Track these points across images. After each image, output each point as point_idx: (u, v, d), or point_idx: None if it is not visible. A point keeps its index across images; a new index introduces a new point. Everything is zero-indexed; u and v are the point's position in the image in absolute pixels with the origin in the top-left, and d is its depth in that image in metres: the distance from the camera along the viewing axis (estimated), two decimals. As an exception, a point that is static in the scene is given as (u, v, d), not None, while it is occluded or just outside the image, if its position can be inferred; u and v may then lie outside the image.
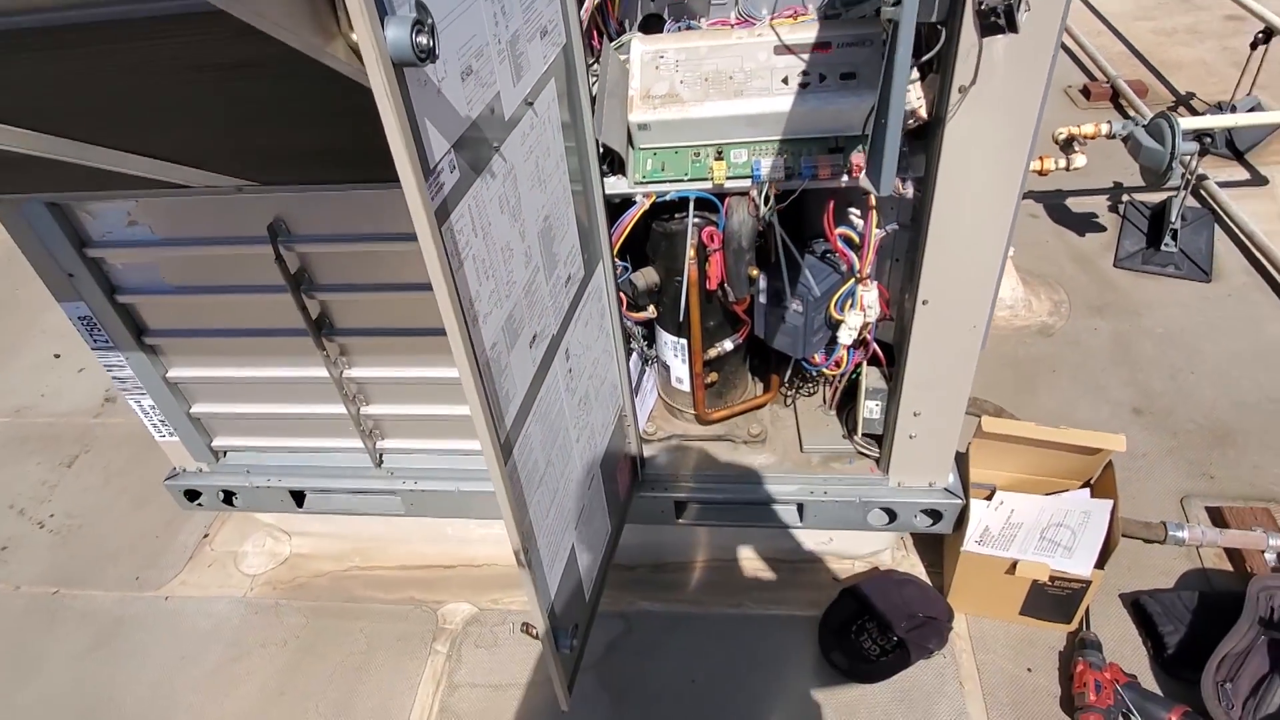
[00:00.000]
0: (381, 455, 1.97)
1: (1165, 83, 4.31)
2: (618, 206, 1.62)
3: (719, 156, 1.52)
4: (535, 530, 1.27)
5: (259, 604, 2.34)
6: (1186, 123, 2.81)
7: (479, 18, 0.95)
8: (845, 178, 1.51)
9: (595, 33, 1.66)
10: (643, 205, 1.58)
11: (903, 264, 1.71)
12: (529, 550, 1.21)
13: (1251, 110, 3.66)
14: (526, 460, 1.23)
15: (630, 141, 1.56)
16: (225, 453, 2.07)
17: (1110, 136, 2.97)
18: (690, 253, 1.63)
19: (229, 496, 2.07)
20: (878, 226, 1.57)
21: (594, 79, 1.49)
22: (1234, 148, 3.70)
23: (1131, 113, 4.02)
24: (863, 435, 1.92)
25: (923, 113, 1.38)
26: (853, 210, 1.63)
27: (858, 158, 1.47)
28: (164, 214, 1.56)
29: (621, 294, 1.74)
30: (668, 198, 1.57)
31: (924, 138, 1.45)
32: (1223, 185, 3.43)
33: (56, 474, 2.86)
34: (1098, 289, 3.06)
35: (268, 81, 0.92)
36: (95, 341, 1.78)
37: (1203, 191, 3.41)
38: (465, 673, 2.11)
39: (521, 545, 1.17)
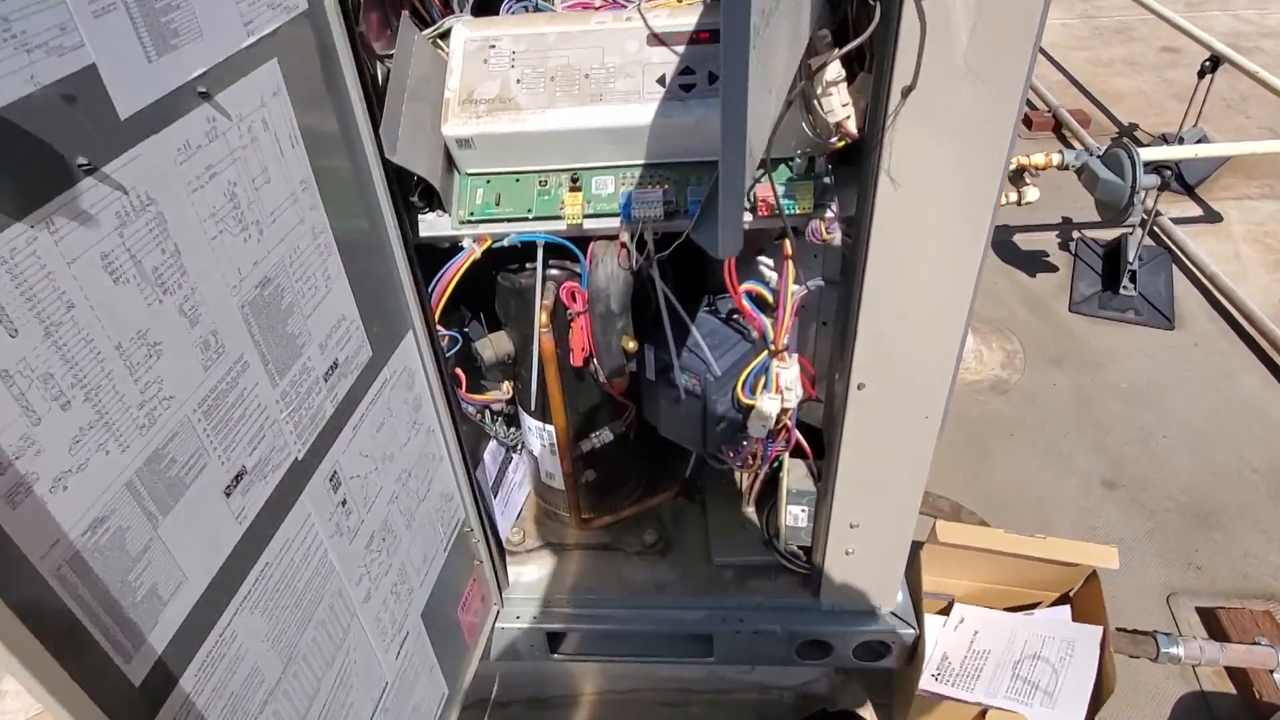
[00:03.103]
0: None
1: (1107, 113, 4.10)
2: (447, 252, 1.17)
3: (575, 186, 1.09)
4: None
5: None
6: (1146, 153, 2.51)
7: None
8: (749, 216, 1.09)
9: (418, 17, 1.22)
10: (472, 253, 1.13)
11: (832, 331, 1.30)
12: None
13: (1199, 142, 3.44)
14: (222, 687, 0.75)
15: (453, 165, 1.12)
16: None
17: (1062, 168, 2.66)
18: (542, 318, 1.18)
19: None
20: (796, 282, 1.16)
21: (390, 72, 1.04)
22: (1183, 182, 3.47)
23: (1075, 143, 3.78)
24: (786, 546, 1.49)
25: (851, 127, 0.97)
26: (763, 260, 1.21)
27: (765, 190, 1.05)
28: None
29: (458, 371, 1.28)
30: (505, 243, 1.13)
31: (855, 163, 1.04)
32: (1176, 222, 3.17)
33: None
34: (1054, 336, 2.72)
35: None
36: None
37: (1156, 229, 3.14)
38: None
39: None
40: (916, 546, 1.56)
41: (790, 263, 1.12)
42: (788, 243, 1.10)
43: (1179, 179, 3.48)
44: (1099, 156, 2.59)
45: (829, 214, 1.07)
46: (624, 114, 1.03)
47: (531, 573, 1.57)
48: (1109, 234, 3.07)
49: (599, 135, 1.05)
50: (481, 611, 1.47)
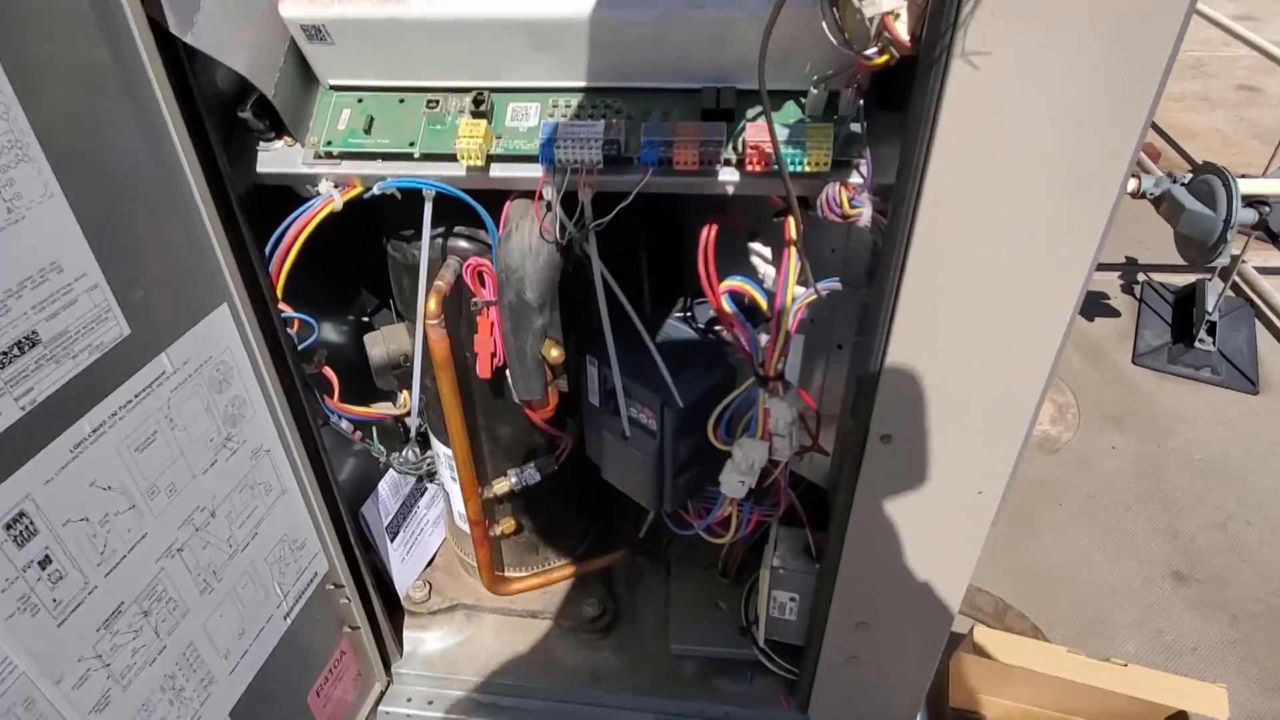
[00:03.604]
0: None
1: (1179, 149, 3.70)
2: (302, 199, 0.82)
3: (479, 111, 0.74)
4: None
5: None
6: (1245, 184, 2.12)
7: None
8: (736, 173, 0.73)
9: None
10: (328, 201, 0.78)
11: (850, 356, 0.93)
12: None
13: (1286, 185, 3.04)
14: None
15: (312, 70, 0.77)
16: None
17: (1137, 195, 2.27)
18: (430, 304, 0.83)
19: None
20: (801, 282, 0.79)
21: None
22: (1267, 228, 3.05)
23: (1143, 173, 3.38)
24: (768, 639, 1.11)
25: (901, 31, 0.60)
26: (757, 247, 0.85)
27: (757, 132, 0.69)
28: None
29: (327, 371, 0.93)
30: (378, 190, 0.78)
31: (900, 97, 0.67)
32: (1261, 271, 2.76)
33: None
34: (1114, 391, 2.32)
35: None
36: None
37: (1236, 277, 2.73)
38: None
39: None
40: (947, 648, 1.18)
41: (793, 252, 0.76)
42: (791, 222, 0.74)
43: (1264, 224, 3.08)
44: (1184, 184, 2.21)
45: (856, 178, 0.71)
46: (553, 3, 0.68)
47: (435, 641, 1.21)
48: (1180, 279, 2.68)
49: (515, 33, 0.70)
50: (355, 692, 1.11)
